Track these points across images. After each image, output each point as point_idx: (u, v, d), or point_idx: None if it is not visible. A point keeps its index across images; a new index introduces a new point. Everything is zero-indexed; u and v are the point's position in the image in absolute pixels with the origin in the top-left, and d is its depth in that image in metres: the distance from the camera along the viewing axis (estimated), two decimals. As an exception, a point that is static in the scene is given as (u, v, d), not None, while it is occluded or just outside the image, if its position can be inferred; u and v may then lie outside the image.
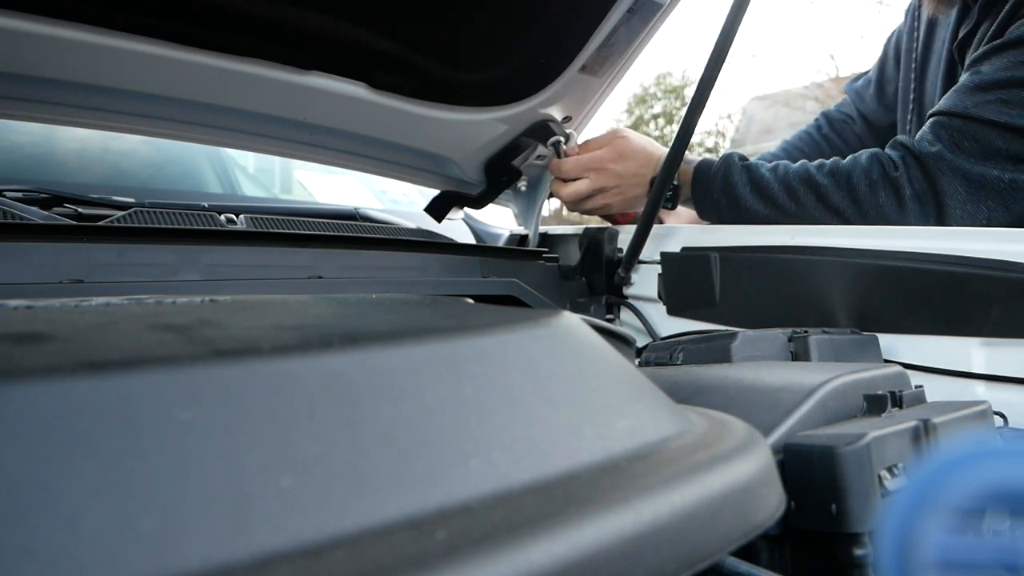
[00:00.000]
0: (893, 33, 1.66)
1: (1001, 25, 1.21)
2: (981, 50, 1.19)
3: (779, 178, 1.23)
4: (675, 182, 1.32)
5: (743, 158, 1.31)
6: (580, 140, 1.45)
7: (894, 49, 1.63)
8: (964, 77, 1.20)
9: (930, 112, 1.21)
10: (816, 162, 1.24)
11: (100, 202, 1.17)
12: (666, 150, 1.32)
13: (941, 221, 1.14)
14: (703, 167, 1.31)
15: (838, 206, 1.18)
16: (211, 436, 0.27)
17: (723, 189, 1.27)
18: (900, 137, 1.22)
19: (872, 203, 1.16)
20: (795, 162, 1.26)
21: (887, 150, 1.21)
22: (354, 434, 0.30)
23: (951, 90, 1.20)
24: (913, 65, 1.50)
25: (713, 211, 1.30)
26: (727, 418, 0.46)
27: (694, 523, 0.32)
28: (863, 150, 1.23)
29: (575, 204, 1.43)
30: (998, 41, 1.18)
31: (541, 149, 1.41)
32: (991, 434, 0.68)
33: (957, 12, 1.38)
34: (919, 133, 1.19)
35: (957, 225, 1.13)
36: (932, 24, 1.47)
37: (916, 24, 1.52)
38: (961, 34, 1.35)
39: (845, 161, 1.22)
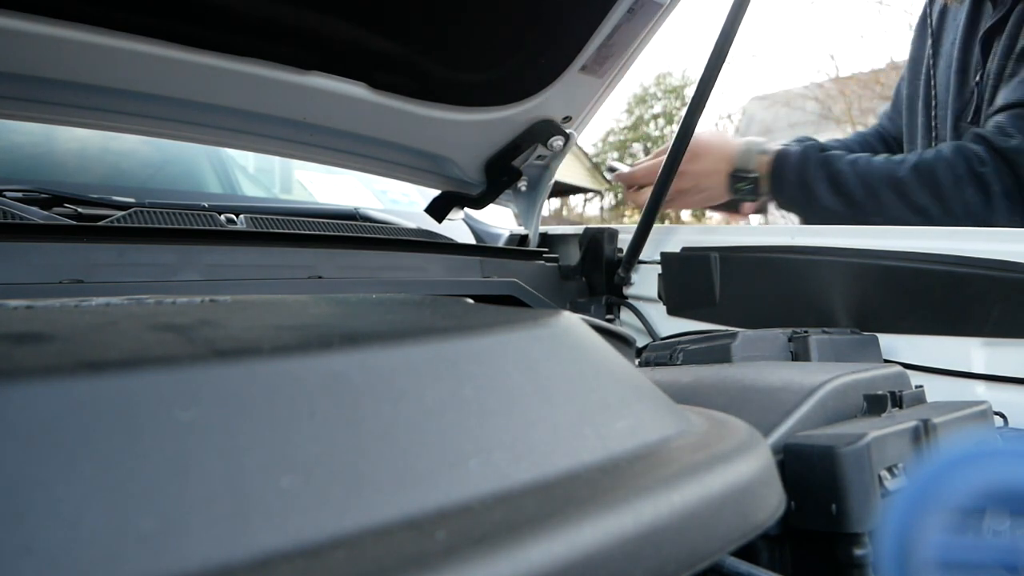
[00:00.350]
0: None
1: None
2: None
3: (858, 173, 1.20)
4: (754, 173, 1.30)
5: (823, 148, 1.27)
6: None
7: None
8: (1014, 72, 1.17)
9: (1001, 105, 1.18)
10: (898, 156, 1.21)
11: (100, 202, 1.17)
12: (742, 141, 1.33)
13: None
14: (780, 158, 1.28)
15: (920, 204, 1.15)
16: (211, 436, 0.27)
17: (799, 183, 1.23)
18: (978, 129, 1.19)
19: (958, 199, 1.13)
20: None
21: (968, 143, 1.17)
22: (354, 434, 0.30)
23: (1016, 80, 1.16)
24: (927, 70, 1.48)
25: (790, 206, 1.28)
26: (727, 418, 0.46)
27: (694, 523, 0.32)
28: (945, 143, 1.20)
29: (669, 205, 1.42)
30: None
31: (541, 149, 1.41)
32: (991, 434, 0.68)
33: (968, 12, 1.36)
34: (993, 124, 1.16)
35: None
36: (939, 30, 1.46)
37: (926, 31, 1.51)
38: (987, 26, 1.31)
39: (928, 155, 1.18)
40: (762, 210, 1.47)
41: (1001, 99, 1.18)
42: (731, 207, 1.48)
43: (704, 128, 1.38)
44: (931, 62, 1.46)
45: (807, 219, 1.30)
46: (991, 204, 1.12)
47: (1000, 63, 1.24)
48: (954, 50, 1.40)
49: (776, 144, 1.33)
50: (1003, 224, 1.12)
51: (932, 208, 1.15)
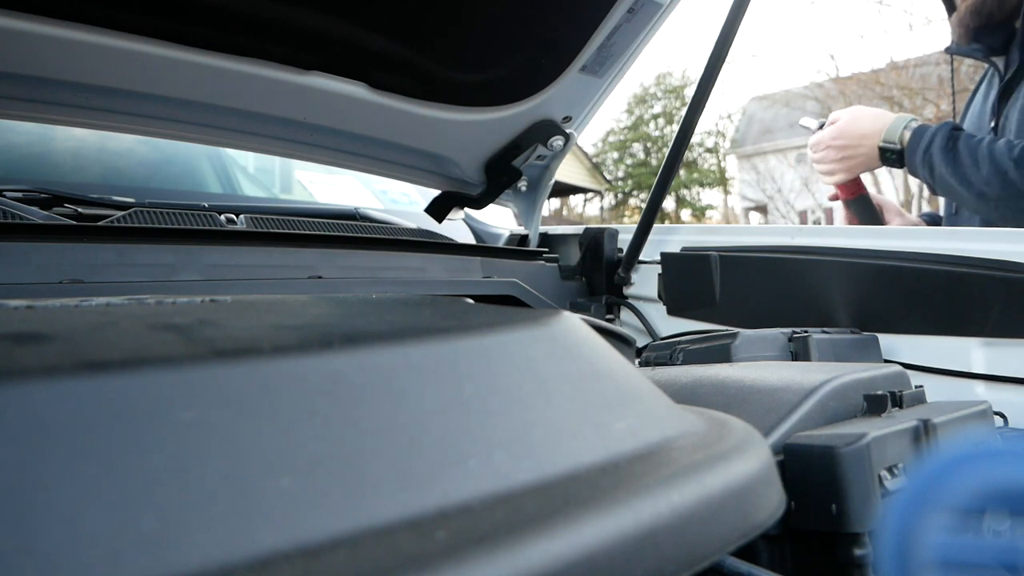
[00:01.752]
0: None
1: None
2: None
3: (971, 148, 1.34)
4: (898, 145, 1.46)
5: (958, 128, 1.41)
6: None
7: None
8: None
9: None
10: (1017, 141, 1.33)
11: (100, 202, 1.17)
12: (894, 115, 1.48)
13: None
14: (919, 132, 1.43)
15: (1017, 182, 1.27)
16: (211, 436, 0.27)
17: (923, 158, 1.38)
18: None
19: None
20: None
21: None
22: (354, 434, 0.30)
23: None
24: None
25: (920, 175, 1.42)
26: (727, 418, 0.46)
27: (694, 523, 0.32)
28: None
29: (828, 175, 1.56)
30: None
31: (541, 149, 1.41)
32: (991, 434, 0.68)
33: (984, 88, 1.55)
34: None
35: None
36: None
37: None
38: (1004, 82, 1.49)
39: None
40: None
41: None
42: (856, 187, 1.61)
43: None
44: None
45: (935, 191, 1.46)
46: None
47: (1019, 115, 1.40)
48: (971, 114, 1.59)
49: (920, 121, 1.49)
50: None
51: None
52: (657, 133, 21.40)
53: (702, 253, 1.21)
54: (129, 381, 0.28)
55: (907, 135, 1.44)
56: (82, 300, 0.49)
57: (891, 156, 1.47)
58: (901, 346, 0.96)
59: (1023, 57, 1.45)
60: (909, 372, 0.75)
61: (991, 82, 1.56)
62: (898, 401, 0.63)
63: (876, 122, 1.50)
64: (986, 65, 1.58)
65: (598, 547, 0.28)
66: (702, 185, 21.24)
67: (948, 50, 1.62)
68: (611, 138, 22.10)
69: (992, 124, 1.49)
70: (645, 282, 1.32)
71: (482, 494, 0.30)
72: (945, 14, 1.60)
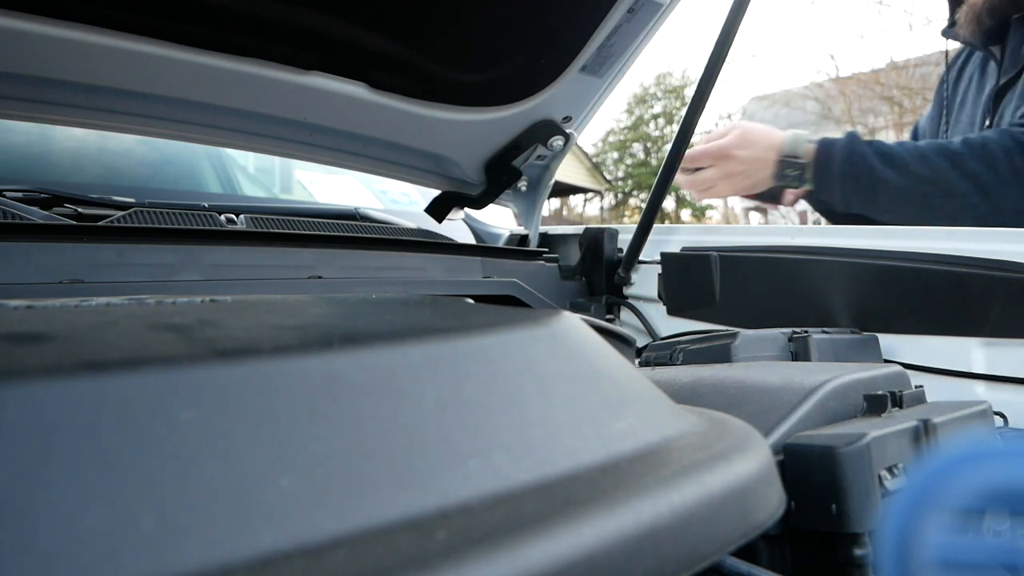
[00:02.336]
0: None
1: None
2: None
3: (908, 149, 1.28)
4: (801, 159, 1.38)
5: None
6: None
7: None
8: None
9: None
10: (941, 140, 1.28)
11: (100, 202, 1.17)
12: (789, 131, 1.41)
13: None
14: (826, 144, 1.36)
15: (975, 171, 1.21)
16: (211, 436, 0.27)
17: (847, 159, 1.30)
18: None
19: (1009, 168, 1.20)
20: None
21: (1014, 127, 1.25)
22: (354, 434, 0.30)
23: None
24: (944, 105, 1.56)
25: (834, 186, 1.33)
26: (727, 418, 0.46)
27: (694, 523, 0.32)
28: (989, 130, 1.29)
29: (703, 191, 1.48)
30: None
31: (541, 149, 1.41)
32: (991, 434, 0.68)
33: (977, 75, 1.47)
34: None
35: None
36: (953, 93, 1.53)
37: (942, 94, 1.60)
38: (996, 86, 1.42)
39: (973, 136, 1.25)
40: (804, 197, 1.52)
41: None
42: (772, 196, 1.55)
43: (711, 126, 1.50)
44: (946, 119, 1.53)
45: (850, 204, 1.36)
46: None
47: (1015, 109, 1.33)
48: (966, 107, 1.50)
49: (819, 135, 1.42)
50: None
51: (985, 174, 1.22)
52: (657, 133, 21.38)
53: (702, 253, 1.21)
54: (129, 381, 0.28)
55: (811, 147, 1.37)
56: (82, 300, 0.49)
57: (791, 172, 1.39)
58: (901, 346, 0.96)
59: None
60: (909, 372, 0.75)
61: (984, 71, 1.50)
62: (898, 401, 0.63)
63: (771, 136, 1.42)
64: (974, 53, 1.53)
65: (598, 547, 0.28)
66: (702, 185, 21.15)
67: (944, 33, 1.55)
68: (611, 138, 22.08)
69: (988, 120, 1.44)
70: (645, 282, 1.32)
71: (482, 494, 0.30)
72: (947, 11, 1.56)
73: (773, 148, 1.41)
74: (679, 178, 1.44)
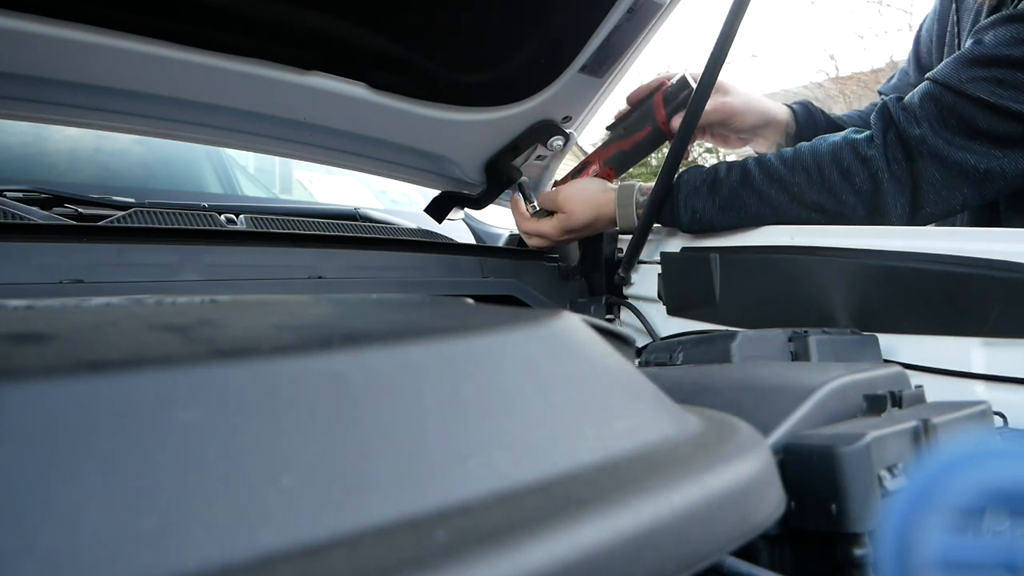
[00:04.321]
0: (924, 19, 1.61)
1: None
2: (988, 20, 1.14)
3: (749, 186, 1.17)
4: (635, 221, 1.27)
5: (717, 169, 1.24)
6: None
7: (926, 34, 1.58)
8: (967, 44, 1.15)
9: (927, 75, 1.16)
10: (777, 154, 1.18)
11: (100, 202, 1.17)
12: (612, 192, 1.31)
13: (915, 204, 1.09)
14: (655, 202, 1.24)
15: (815, 201, 1.13)
16: (211, 436, 0.27)
17: (691, 218, 1.21)
18: (889, 103, 1.15)
19: (849, 190, 1.11)
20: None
21: (855, 136, 1.15)
22: (354, 434, 0.30)
23: (952, 57, 1.14)
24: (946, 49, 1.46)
25: (677, 224, 1.25)
26: (727, 418, 0.46)
27: (694, 523, 0.32)
28: (827, 136, 1.17)
29: (538, 244, 1.40)
30: (1006, 11, 1.12)
31: (541, 149, 1.41)
32: (991, 434, 0.68)
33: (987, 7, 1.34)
34: (909, 100, 1.13)
35: (930, 208, 1.09)
36: (961, 14, 1.43)
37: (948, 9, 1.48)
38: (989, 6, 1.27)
39: (820, 147, 1.15)
40: None
41: (933, 71, 1.15)
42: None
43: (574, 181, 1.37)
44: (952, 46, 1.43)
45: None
46: (880, 188, 1.09)
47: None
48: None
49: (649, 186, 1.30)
50: (894, 211, 1.09)
51: (828, 203, 1.12)
52: (657, 133, 21.35)
53: (702, 253, 1.21)
54: (129, 381, 0.28)
55: (642, 199, 1.27)
56: (82, 300, 0.48)
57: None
58: (901, 346, 0.96)
59: None
60: (909, 372, 0.75)
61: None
62: (898, 401, 0.63)
63: (598, 207, 1.31)
64: None
65: (598, 547, 0.28)
66: (702, 185, 21.16)
67: None
68: (611, 138, 22.06)
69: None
70: (645, 282, 1.32)
71: (482, 494, 0.30)
72: None
73: (603, 220, 1.32)
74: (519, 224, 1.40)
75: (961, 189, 1.08)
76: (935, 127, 1.09)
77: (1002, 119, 1.06)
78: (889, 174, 1.10)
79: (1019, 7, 1.11)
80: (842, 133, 1.18)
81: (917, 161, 1.09)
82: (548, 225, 1.35)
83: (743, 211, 1.18)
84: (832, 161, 1.13)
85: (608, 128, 1.42)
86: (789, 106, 1.44)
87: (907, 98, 1.15)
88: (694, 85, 1.26)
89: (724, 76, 1.27)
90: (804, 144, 1.18)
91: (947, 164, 1.08)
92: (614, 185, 1.34)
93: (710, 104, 1.27)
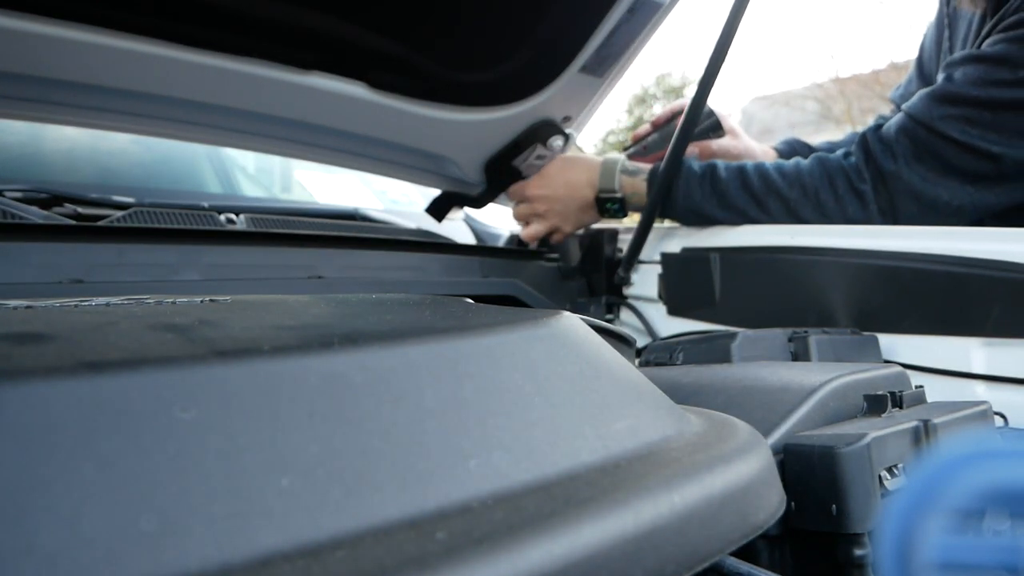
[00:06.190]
0: (928, 25, 1.62)
1: (988, 34, 1.18)
2: (959, 55, 1.17)
3: (746, 186, 1.21)
4: (619, 194, 1.30)
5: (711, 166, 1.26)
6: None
7: (928, 41, 1.58)
8: (939, 79, 1.17)
9: (903, 106, 1.18)
10: (775, 165, 1.21)
11: (100, 202, 1.17)
12: (598, 160, 1.35)
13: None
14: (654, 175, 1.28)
15: (808, 219, 1.17)
16: (211, 436, 0.27)
17: (685, 195, 1.24)
18: (868, 135, 1.18)
19: (840, 214, 1.16)
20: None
21: (850, 158, 1.18)
22: (354, 434, 0.30)
23: (925, 91, 1.17)
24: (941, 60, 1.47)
25: (677, 217, 1.28)
26: (727, 418, 0.46)
27: (694, 523, 0.32)
28: (817, 157, 1.20)
29: (524, 232, 1.44)
30: (974, 51, 1.15)
31: (541, 149, 1.41)
32: (991, 434, 0.68)
33: (979, 16, 1.35)
34: (886, 132, 1.16)
35: None
36: (954, 23, 1.44)
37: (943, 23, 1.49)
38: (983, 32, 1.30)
39: (814, 171, 1.19)
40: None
41: (907, 104, 1.17)
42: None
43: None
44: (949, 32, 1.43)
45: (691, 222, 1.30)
46: (870, 219, 1.14)
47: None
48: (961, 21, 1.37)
49: (639, 165, 1.32)
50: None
51: (820, 222, 1.17)
52: (657, 133, 21.37)
53: (702, 253, 1.21)
54: (129, 381, 0.28)
55: (626, 179, 1.30)
56: (82, 300, 0.49)
57: (611, 206, 1.32)
58: (901, 346, 0.96)
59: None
60: (909, 372, 0.75)
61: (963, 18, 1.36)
62: (898, 401, 0.63)
63: (588, 171, 1.35)
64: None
65: (598, 547, 0.28)
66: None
67: None
68: (611, 138, 22.09)
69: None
70: (645, 282, 1.32)
71: (482, 494, 0.30)
72: None
73: (584, 185, 1.35)
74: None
75: (936, 222, 1.12)
76: (910, 162, 1.13)
77: (973, 157, 1.10)
78: (877, 207, 1.15)
79: (985, 50, 1.13)
80: (837, 157, 1.20)
81: (895, 196, 1.14)
82: (533, 228, 1.41)
83: (736, 212, 1.21)
84: (829, 187, 1.17)
85: (625, 149, 1.46)
86: (775, 148, 1.53)
87: (884, 128, 1.18)
88: (716, 113, 1.37)
89: (733, 121, 1.41)
90: (803, 161, 1.21)
91: (921, 200, 1.12)
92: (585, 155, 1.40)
93: (716, 143, 1.39)
